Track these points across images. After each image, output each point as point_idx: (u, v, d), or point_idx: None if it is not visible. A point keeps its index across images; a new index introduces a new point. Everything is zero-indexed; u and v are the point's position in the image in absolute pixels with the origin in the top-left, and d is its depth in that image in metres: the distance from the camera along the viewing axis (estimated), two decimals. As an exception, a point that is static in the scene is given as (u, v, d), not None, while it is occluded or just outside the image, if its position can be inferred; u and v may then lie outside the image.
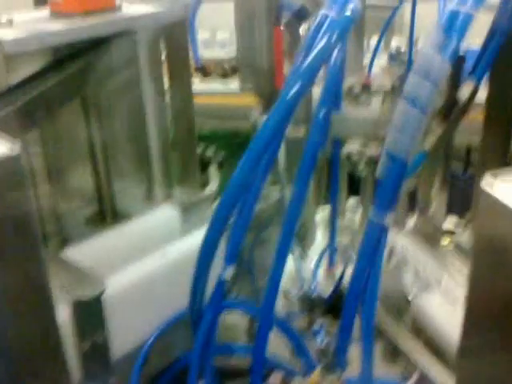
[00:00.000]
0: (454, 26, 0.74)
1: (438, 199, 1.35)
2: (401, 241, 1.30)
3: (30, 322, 0.73)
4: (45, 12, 1.16)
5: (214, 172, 1.45)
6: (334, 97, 1.22)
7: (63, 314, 0.92)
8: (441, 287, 1.14)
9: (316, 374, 0.82)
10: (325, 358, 0.84)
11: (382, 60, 1.22)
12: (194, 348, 0.92)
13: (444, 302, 1.13)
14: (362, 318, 0.79)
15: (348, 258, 1.45)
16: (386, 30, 1.14)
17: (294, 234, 0.89)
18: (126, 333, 1.02)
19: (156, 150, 1.40)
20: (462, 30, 0.74)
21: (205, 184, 1.44)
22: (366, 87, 1.11)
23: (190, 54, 1.29)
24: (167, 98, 1.39)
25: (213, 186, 1.39)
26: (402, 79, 1.15)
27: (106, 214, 1.35)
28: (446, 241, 1.54)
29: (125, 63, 1.27)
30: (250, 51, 1.14)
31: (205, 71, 1.20)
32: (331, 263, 1.44)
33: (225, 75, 1.23)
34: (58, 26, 1.07)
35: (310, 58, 0.70)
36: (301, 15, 1.05)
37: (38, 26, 1.08)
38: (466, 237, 1.33)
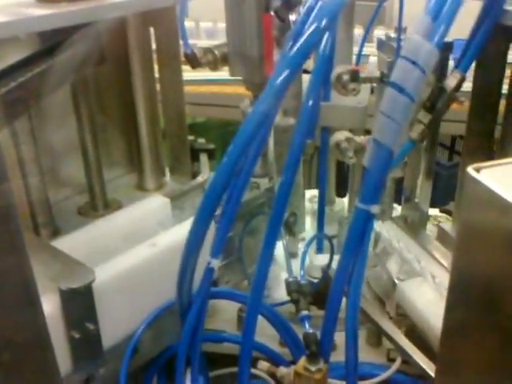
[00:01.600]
0: (441, 11, 0.71)
1: (423, 187, 1.33)
2: (386, 227, 1.28)
3: (15, 315, 0.70)
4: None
5: (204, 161, 1.42)
6: (322, 85, 1.20)
7: (53, 304, 0.90)
8: (425, 274, 1.11)
9: (301, 362, 0.80)
10: (310, 347, 0.81)
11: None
12: (181, 336, 0.89)
13: (427, 289, 1.11)
14: (348, 307, 0.77)
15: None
16: (375, 19, 1.10)
17: (283, 222, 0.86)
18: (116, 323, 1.00)
19: (146, 138, 1.37)
20: (450, 15, 0.71)
21: (196, 174, 1.41)
22: (355, 75, 1.08)
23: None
24: (158, 86, 1.36)
25: (204, 174, 1.36)
26: (392, 67, 1.13)
27: (97, 204, 1.32)
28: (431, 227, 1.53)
29: (113, 50, 1.24)
30: (239, 39, 1.10)
31: (195, 59, 1.16)
32: (319, 250, 1.42)
33: (215, 65, 1.19)
34: (45, 11, 1.03)
35: (298, 45, 0.67)
36: (290, 3, 1.02)
37: (23, 11, 1.04)
38: (449, 225, 1.30)
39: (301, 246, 1.50)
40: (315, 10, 0.73)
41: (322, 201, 1.42)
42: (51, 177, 1.29)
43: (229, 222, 0.80)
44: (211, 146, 1.49)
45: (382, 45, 1.16)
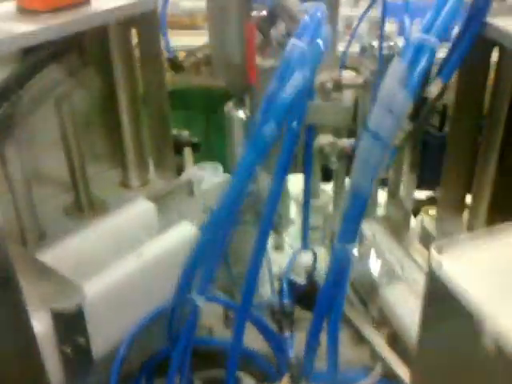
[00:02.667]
0: (418, 59, 0.77)
1: (407, 182, 1.39)
2: (370, 227, 1.35)
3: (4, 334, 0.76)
4: (10, 7, 1.15)
5: (188, 155, 1.48)
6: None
7: (45, 323, 0.97)
8: (406, 280, 1.19)
9: (284, 381, 0.87)
10: (292, 372, 0.89)
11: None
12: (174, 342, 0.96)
13: (407, 294, 1.18)
14: (328, 337, 0.84)
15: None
16: (357, 28, 1.16)
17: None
18: (105, 333, 1.07)
19: (129, 135, 1.43)
20: (426, 63, 0.76)
21: (180, 167, 1.47)
22: (338, 85, 1.13)
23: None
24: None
25: (188, 170, 1.42)
26: (375, 74, 1.19)
27: (83, 204, 1.38)
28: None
29: (95, 50, 1.29)
30: (222, 45, 1.15)
31: (177, 62, 1.21)
32: (304, 246, 1.48)
33: (198, 67, 1.24)
34: (28, 26, 1.07)
35: (283, 96, 0.73)
36: (271, 18, 1.07)
37: (5, 27, 1.08)
38: (433, 224, 1.37)
39: (286, 239, 1.58)
40: (297, 57, 0.77)
41: (308, 196, 1.48)
42: (35, 176, 1.35)
43: (215, 267, 0.86)
44: (195, 140, 1.54)
45: (364, 52, 1.21)
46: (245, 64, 1.18)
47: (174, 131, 1.53)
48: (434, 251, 0.58)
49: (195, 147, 1.53)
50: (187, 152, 1.50)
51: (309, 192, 1.47)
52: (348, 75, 1.23)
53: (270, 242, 1.50)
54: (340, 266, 0.79)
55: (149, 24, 1.27)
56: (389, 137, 0.75)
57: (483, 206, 1.31)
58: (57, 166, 1.38)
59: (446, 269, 0.56)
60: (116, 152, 1.47)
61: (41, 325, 0.95)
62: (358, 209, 0.75)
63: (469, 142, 1.25)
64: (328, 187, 1.54)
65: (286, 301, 1.08)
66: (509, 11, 1.13)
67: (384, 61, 1.17)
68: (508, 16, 1.11)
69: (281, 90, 0.75)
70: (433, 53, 0.76)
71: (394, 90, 0.75)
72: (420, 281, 1.20)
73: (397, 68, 0.76)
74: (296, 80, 0.74)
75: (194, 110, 2.77)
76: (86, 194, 1.37)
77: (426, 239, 1.34)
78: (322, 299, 0.82)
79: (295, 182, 1.65)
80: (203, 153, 1.58)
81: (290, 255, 1.46)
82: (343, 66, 1.29)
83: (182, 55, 1.30)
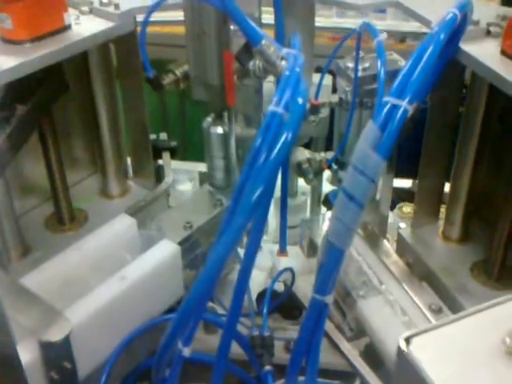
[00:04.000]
0: (390, 122, 0.84)
1: (383, 184, 1.47)
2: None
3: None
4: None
5: (167, 161, 1.55)
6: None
7: (32, 352, 1.04)
8: (382, 292, 1.27)
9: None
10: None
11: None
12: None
13: (383, 305, 1.25)
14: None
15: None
16: (336, 53, 1.22)
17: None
18: (90, 355, 1.15)
19: (109, 144, 1.49)
20: (398, 126, 0.84)
21: (159, 173, 1.54)
22: (315, 109, 1.20)
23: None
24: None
25: (168, 179, 1.50)
26: (350, 94, 1.27)
27: (64, 217, 1.45)
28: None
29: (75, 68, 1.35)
30: (200, 67, 1.22)
31: (157, 82, 1.27)
32: (282, 248, 1.57)
33: (177, 85, 1.30)
34: (10, 59, 1.10)
35: (266, 168, 0.79)
36: (249, 52, 1.13)
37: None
38: (409, 231, 1.46)
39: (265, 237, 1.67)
40: (275, 124, 0.84)
41: (285, 200, 1.56)
42: (16, 186, 1.42)
43: (197, 321, 0.93)
44: (173, 144, 1.61)
45: (340, 72, 1.29)
46: (223, 86, 1.25)
47: (153, 136, 1.59)
48: (402, 342, 0.66)
49: (174, 151, 1.60)
50: (166, 156, 1.57)
51: (286, 194, 1.55)
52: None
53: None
54: (316, 317, 0.87)
55: (127, 41, 1.32)
56: (363, 198, 0.82)
57: (458, 214, 1.41)
58: (36, 176, 1.44)
59: (413, 358, 0.64)
60: (95, 160, 1.53)
61: (28, 354, 1.03)
62: (333, 262, 0.83)
63: (443, 152, 1.35)
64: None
65: (267, 333, 1.16)
66: (482, 35, 1.20)
67: (359, 82, 1.25)
68: (480, 40, 1.18)
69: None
70: (405, 115, 0.83)
71: (366, 153, 0.82)
72: (395, 292, 1.29)
73: (369, 131, 0.83)
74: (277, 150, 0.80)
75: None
76: (67, 205, 1.44)
77: (402, 247, 1.43)
78: (298, 347, 0.90)
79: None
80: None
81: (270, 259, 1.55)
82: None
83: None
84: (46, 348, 1.05)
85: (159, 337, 1.20)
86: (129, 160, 1.58)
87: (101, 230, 1.32)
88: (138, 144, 1.49)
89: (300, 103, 0.85)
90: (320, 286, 0.86)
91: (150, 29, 1.24)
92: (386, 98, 0.85)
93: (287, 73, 0.90)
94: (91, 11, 1.28)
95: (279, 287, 1.44)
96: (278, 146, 0.80)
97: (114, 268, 1.24)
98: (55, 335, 1.06)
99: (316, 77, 1.36)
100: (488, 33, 1.20)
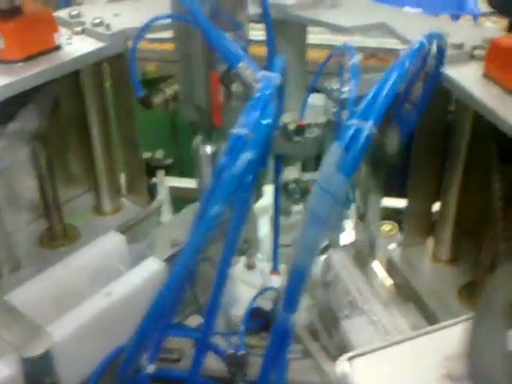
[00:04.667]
0: (354, 143, 0.88)
1: (372, 204, 1.49)
2: (337, 256, 1.47)
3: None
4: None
5: (161, 178, 1.59)
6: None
7: (14, 367, 1.08)
8: (368, 314, 1.30)
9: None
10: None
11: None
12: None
13: (367, 326, 1.28)
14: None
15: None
16: (321, 72, 1.25)
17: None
18: (73, 370, 1.18)
19: (102, 162, 1.54)
20: (362, 147, 0.88)
21: (153, 190, 1.58)
22: (300, 130, 1.24)
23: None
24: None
25: (161, 195, 1.54)
26: (336, 115, 1.30)
27: (56, 234, 1.50)
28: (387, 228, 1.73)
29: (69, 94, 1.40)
30: (189, 88, 1.26)
31: (146, 100, 1.32)
32: (275, 267, 1.60)
33: (167, 104, 1.35)
34: (1, 78, 1.15)
35: (223, 187, 0.84)
36: (229, 76, 1.17)
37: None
38: (398, 252, 1.49)
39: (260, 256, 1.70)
40: (238, 145, 0.88)
41: (278, 219, 1.59)
42: (9, 202, 1.47)
43: (161, 339, 0.97)
44: (168, 162, 1.66)
45: (327, 92, 1.32)
46: (210, 107, 1.29)
47: (148, 154, 1.64)
48: (343, 362, 0.70)
49: (168, 169, 1.64)
50: (160, 174, 1.61)
51: (278, 213, 1.59)
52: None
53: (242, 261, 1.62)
54: (282, 334, 0.90)
55: (119, 61, 1.37)
56: (326, 216, 0.86)
57: (447, 235, 1.43)
58: (30, 193, 1.49)
59: (353, 378, 0.67)
60: (89, 177, 1.58)
61: (8, 369, 1.07)
62: (297, 282, 0.87)
63: (432, 173, 1.38)
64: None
65: (241, 352, 1.20)
66: (466, 58, 1.23)
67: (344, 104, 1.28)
68: (464, 64, 1.21)
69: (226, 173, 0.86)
70: (369, 138, 0.87)
71: (331, 173, 0.86)
72: (378, 312, 1.31)
73: (334, 151, 0.87)
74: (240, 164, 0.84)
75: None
76: (59, 221, 1.49)
77: (391, 267, 1.46)
78: (265, 365, 0.94)
79: (268, 191, 1.76)
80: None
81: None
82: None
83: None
84: (27, 363, 1.09)
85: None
86: (123, 177, 1.62)
87: (90, 247, 1.36)
88: (131, 162, 1.54)
89: (264, 124, 0.89)
90: (286, 303, 0.89)
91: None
92: (351, 121, 0.89)
93: (257, 94, 0.94)
94: (83, 31, 1.33)
95: (267, 305, 1.46)
96: (238, 166, 0.84)
97: (102, 284, 1.27)
98: (35, 350, 1.09)
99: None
100: (472, 56, 1.22)
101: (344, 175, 0.86)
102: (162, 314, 0.90)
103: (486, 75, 1.15)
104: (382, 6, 1.47)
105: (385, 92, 0.91)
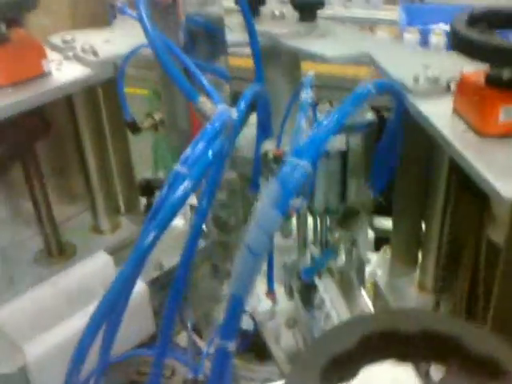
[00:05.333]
0: (290, 180, 0.92)
1: (360, 234, 1.52)
2: (324, 282, 1.50)
3: None
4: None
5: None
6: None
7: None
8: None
9: None
10: None
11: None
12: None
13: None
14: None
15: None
16: (293, 103, 1.29)
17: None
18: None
19: (97, 181, 1.60)
20: (297, 184, 0.91)
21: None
22: (278, 159, 1.28)
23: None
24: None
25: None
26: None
27: (52, 249, 1.57)
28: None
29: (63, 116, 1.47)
30: (172, 113, 1.32)
31: (135, 126, 1.38)
32: (270, 288, 1.64)
33: (156, 128, 1.41)
34: None
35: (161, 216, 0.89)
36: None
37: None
38: (385, 280, 1.51)
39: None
40: (176, 181, 0.93)
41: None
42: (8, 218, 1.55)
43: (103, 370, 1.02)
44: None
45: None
46: (191, 133, 1.35)
47: (149, 173, 1.70)
48: None
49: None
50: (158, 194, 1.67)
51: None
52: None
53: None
54: (221, 361, 0.94)
55: (109, 85, 1.44)
56: (260, 251, 0.90)
57: (431, 264, 1.44)
58: (26, 210, 1.57)
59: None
60: (86, 196, 1.65)
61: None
62: (234, 311, 0.91)
63: (416, 201, 1.39)
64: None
65: (201, 377, 1.24)
66: (442, 91, 1.25)
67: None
68: (439, 97, 1.23)
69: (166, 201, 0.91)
70: (305, 175, 0.91)
71: (266, 209, 0.90)
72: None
73: (271, 187, 0.91)
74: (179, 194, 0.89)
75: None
76: (55, 239, 1.56)
77: (377, 295, 1.48)
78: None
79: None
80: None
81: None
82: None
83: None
84: (1, 379, 1.15)
85: (125, 372, 1.30)
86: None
87: (77, 267, 1.43)
88: (126, 182, 1.61)
89: (209, 156, 0.94)
90: (223, 331, 0.94)
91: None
92: (288, 158, 0.93)
93: (208, 127, 0.99)
94: (74, 56, 1.39)
95: (250, 326, 1.51)
96: (173, 200, 0.89)
97: (83, 305, 1.33)
98: (9, 367, 1.16)
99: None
100: (448, 89, 1.24)
101: (279, 212, 0.89)
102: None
103: (455, 110, 1.16)
104: (372, 37, 1.50)
105: (323, 134, 0.94)
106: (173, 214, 0.92)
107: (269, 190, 0.92)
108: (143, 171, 1.78)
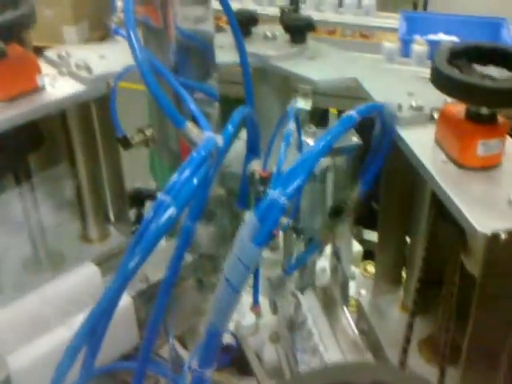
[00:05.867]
0: (269, 215, 0.95)
1: (343, 251, 1.55)
2: (307, 299, 1.53)
3: None
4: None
5: (148, 208, 1.68)
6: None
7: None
8: (325, 359, 1.36)
9: None
10: None
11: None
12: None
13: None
14: None
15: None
16: (279, 127, 1.32)
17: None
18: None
19: (88, 191, 1.65)
20: (275, 218, 0.95)
21: (141, 219, 1.68)
22: (264, 180, 1.31)
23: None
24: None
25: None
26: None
27: (40, 256, 1.61)
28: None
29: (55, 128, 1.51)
30: (162, 133, 1.35)
31: (126, 142, 1.41)
32: (255, 301, 1.67)
33: (146, 144, 1.44)
34: None
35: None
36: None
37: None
38: (368, 298, 1.55)
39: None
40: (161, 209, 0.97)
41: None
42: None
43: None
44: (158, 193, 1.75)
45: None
46: (180, 149, 1.38)
47: (138, 184, 1.74)
48: None
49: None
50: (147, 205, 1.71)
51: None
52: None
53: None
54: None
55: (102, 101, 1.47)
56: (238, 284, 0.93)
57: (414, 284, 1.47)
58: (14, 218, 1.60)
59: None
60: (76, 205, 1.69)
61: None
62: (211, 341, 0.95)
63: (400, 223, 1.44)
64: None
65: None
66: (425, 120, 1.28)
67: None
68: (422, 126, 1.27)
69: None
70: (282, 211, 0.94)
71: (245, 242, 0.93)
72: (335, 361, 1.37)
73: (250, 221, 0.95)
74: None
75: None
76: (44, 247, 1.59)
77: (360, 314, 1.51)
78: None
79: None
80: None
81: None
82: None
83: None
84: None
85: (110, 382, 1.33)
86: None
87: (65, 277, 1.46)
88: (116, 193, 1.64)
89: (193, 183, 0.97)
90: (202, 360, 0.97)
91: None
92: (268, 191, 0.96)
93: (194, 156, 1.02)
94: (68, 72, 1.43)
95: (233, 341, 1.54)
96: (158, 227, 0.92)
97: (69, 316, 1.36)
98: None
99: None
100: (432, 118, 1.27)
101: (257, 245, 0.93)
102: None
103: (436, 140, 1.19)
104: (361, 59, 1.53)
105: (306, 167, 0.97)
106: (157, 240, 0.95)
107: (248, 223, 0.95)
108: (142, 177, 1.81)
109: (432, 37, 3.51)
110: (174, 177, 1.00)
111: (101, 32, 6.19)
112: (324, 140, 1.02)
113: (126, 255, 0.97)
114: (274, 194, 0.95)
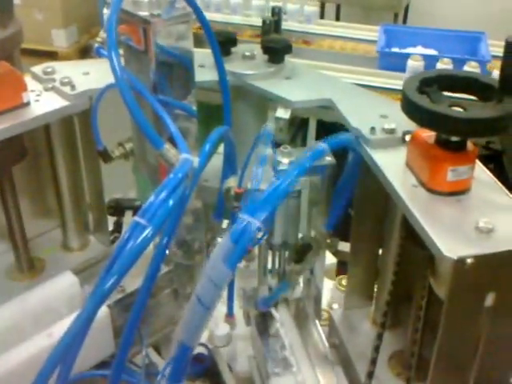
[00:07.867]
0: (242, 237, 0.96)
1: (317, 265, 1.55)
2: (280, 312, 1.53)
3: None
4: None
5: (128, 219, 1.69)
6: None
7: None
8: (295, 371, 1.36)
9: None
10: None
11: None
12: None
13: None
14: None
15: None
16: (255, 146, 1.33)
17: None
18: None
19: (69, 201, 1.65)
20: (248, 240, 0.96)
21: (120, 229, 1.68)
22: (238, 196, 1.32)
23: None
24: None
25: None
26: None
27: (22, 263, 1.61)
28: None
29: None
30: (141, 148, 1.36)
31: (106, 154, 1.42)
32: (230, 311, 1.67)
33: (126, 157, 1.45)
34: None
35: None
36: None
37: None
38: (339, 313, 1.56)
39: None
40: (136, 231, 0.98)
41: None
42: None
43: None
44: (137, 203, 1.76)
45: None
46: (158, 164, 1.38)
47: (119, 194, 1.74)
48: None
49: (137, 210, 1.73)
50: (127, 215, 1.71)
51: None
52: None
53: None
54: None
55: (83, 116, 1.48)
56: (209, 303, 0.94)
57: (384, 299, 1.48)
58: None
59: None
60: (57, 215, 1.69)
61: None
62: (181, 357, 0.95)
63: (373, 239, 1.45)
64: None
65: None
66: (397, 143, 1.29)
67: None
68: (394, 148, 1.27)
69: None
70: (256, 232, 0.95)
71: (217, 263, 0.94)
72: (306, 375, 1.37)
73: (223, 242, 0.96)
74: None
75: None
76: (26, 255, 1.60)
77: (331, 328, 1.52)
78: None
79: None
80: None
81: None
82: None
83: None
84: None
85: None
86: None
87: (44, 286, 1.46)
88: (96, 204, 1.65)
89: (169, 205, 0.98)
90: (171, 375, 0.98)
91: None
92: (241, 215, 0.97)
93: (170, 178, 1.03)
94: (53, 88, 1.43)
95: (205, 351, 1.55)
96: (133, 248, 0.93)
97: (46, 325, 1.36)
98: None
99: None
100: (404, 141, 1.28)
101: (229, 267, 0.94)
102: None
103: (407, 164, 1.20)
104: (336, 80, 1.54)
105: (279, 191, 0.99)
106: (132, 262, 0.96)
107: (221, 244, 0.96)
108: (122, 188, 1.82)
109: (410, 50, 3.56)
110: (151, 198, 1.01)
111: (89, 36, 6.22)
112: (298, 169, 1.04)
113: (102, 275, 0.97)
114: (246, 218, 0.96)
